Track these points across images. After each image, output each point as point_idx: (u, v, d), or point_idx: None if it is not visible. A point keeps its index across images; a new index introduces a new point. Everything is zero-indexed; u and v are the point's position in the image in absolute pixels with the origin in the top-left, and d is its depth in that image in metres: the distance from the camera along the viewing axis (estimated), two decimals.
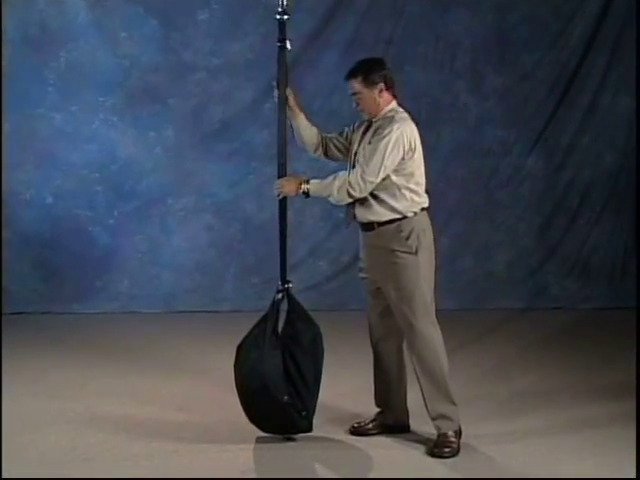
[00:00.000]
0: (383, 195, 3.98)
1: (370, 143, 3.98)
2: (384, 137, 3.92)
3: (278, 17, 4.12)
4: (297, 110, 4.20)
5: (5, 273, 6.99)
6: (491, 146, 7.45)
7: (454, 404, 4.05)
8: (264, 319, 4.10)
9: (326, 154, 4.26)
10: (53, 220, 7.15)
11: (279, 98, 4.14)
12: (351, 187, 3.93)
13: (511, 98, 7.41)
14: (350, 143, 4.17)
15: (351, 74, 4.05)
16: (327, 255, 7.34)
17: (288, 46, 4.11)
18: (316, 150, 4.25)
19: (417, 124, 4.07)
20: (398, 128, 3.95)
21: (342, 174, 3.99)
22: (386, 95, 4.04)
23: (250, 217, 7.34)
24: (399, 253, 3.96)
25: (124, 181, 7.21)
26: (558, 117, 7.42)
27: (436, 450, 3.98)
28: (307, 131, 4.22)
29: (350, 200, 3.99)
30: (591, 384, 5.08)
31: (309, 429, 4.12)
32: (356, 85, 4.03)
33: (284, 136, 4.13)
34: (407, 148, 3.95)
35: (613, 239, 7.48)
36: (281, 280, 4.16)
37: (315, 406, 4.12)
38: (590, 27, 7.32)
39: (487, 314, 6.96)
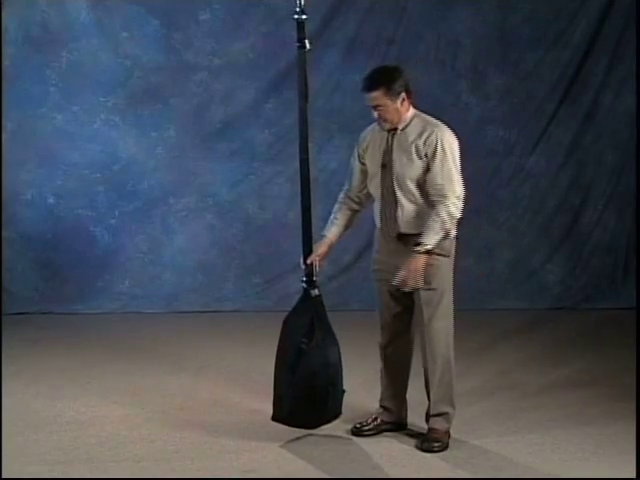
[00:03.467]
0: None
1: (412, 153, 3.93)
2: (437, 145, 3.91)
3: (296, 17, 4.04)
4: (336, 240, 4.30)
5: (6, 273, 7.00)
6: (493, 146, 7.43)
7: (454, 407, 4.09)
8: (319, 318, 4.11)
9: (368, 199, 4.22)
10: (55, 220, 7.16)
11: (299, 92, 4.06)
12: (452, 216, 3.95)
13: (513, 98, 7.40)
14: (363, 158, 4.11)
15: (372, 86, 3.91)
16: (329, 255, 7.31)
17: (307, 46, 4.04)
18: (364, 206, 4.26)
19: None
20: (439, 128, 3.95)
21: (436, 211, 3.93)
22: (406, 103, 3.98)
23: (251, 217, 7.34)
24: (435, 255, 3.95)
25: (126, 181, 7.21)
26: (560, 117, 7.41)
27: (426, 444, 4.00)
28: (345, 229, 4.32)
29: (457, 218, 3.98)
30: (592, 383, 5.08)
31: (340, 413, 4.15)
32: (379, 97, 3.90)
33: (305, 131, 4.07)
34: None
35: (615, 239, 7.46)
36: (308, 276, 4.17)
37: None
38: (592, 26, 7.30)
39: (488, 314, 6.94)
